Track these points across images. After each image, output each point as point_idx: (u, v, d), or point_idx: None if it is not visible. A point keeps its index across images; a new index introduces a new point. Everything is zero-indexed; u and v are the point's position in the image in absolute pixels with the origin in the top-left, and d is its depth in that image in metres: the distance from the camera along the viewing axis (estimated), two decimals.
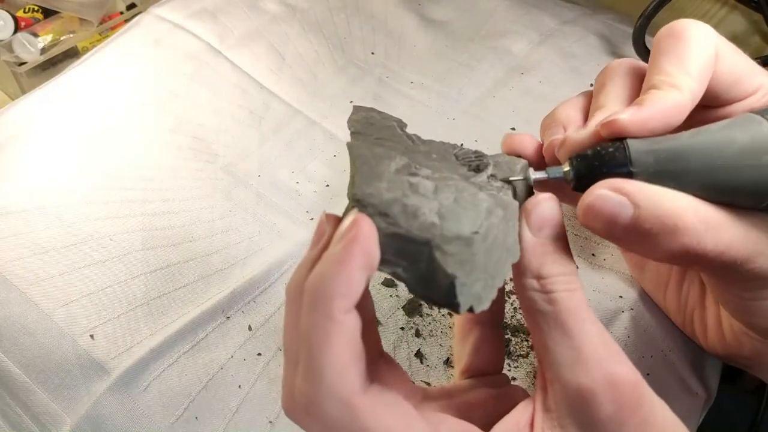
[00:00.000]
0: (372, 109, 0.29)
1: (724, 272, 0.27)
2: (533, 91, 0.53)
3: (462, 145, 0.28)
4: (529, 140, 0.28)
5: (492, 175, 0.26)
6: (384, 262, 0.22)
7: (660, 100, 0.25)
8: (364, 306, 0.26)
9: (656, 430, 0.23)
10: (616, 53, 0.56)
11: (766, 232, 0.25)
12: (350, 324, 0.21)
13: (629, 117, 0.24)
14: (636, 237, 0.24)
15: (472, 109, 0.52)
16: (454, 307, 0.22)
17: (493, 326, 0.30)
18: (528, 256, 0.25)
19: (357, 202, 0.22)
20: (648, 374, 0.37)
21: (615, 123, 0.25)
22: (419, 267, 0.22)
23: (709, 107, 0.28)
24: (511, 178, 0.25)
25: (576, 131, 0.27)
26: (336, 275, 0.21)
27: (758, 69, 0.28)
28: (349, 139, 0.26)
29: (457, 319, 0.31)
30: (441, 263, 0.22)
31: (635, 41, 0.53)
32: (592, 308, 0.38)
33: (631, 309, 0.39)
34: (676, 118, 0.25)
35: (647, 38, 0.53)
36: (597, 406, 0.23)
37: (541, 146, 0.29)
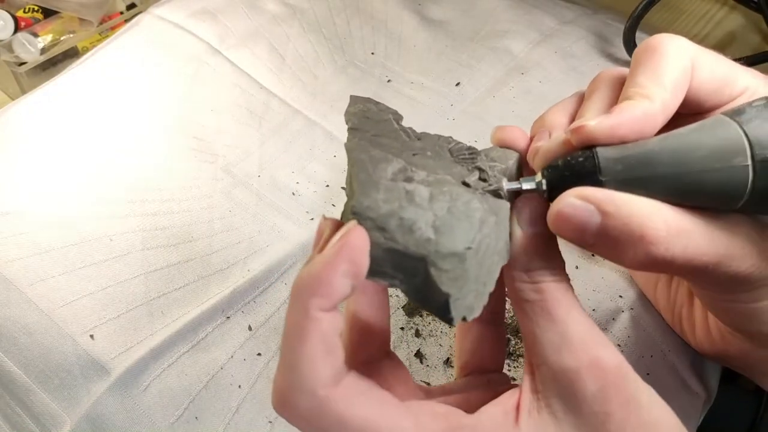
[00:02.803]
0: (369, 100, 0.29)
1: (697, 276, 0.27)
2: (533, 91, 0.53)
3: (455, 139, 0.28)
4: (519, 133, 0.29)
5: (481, 177, 0.26)
6: (382, 275, 0.23)
7: (629, 109, 0.25)
8: (375, 306, 0.27)
9: (642, 410, 0.24)
10: (615, 54, 0.56)
11: (739, 235, 0.25)
12: (326, 322, 0.22)
13: (597, 124, 0.25)
14: (605, 244, 0.24)
15: (472, 109, 0.52)
16: (447, 320, 0.23)
17: (493, 324, 0.30)
18: (518, 250, 0.25)
19: (356, 215, 0.22)
20: (648, 374, 0.37)
21: (582, 129, 0.25)
22: (416, 280, 0.23)
23: (695, 114, 0.28)
24: (486, 189, 0.25)
25: (548, 140, 0.27)
26: (317, 277, 0.21)
27: (742, 71, 0.28)
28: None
29: None
30: (436, 281, 0.22)
31: (625, 42, 0.54)
32: (592, 308, 0.39)
33: (631, 309, 0.39)
34: (647, 126, 0.25)
35: (638, 38, 0.53)
36: (582, 386, 0.23)
37: (529, 140, 0.29)
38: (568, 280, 0.26)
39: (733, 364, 0.35)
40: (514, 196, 0.26)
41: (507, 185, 0.26)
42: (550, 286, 0.25)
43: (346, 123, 0.27)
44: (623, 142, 0.25)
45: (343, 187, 0.46)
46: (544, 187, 0.25)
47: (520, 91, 0.53)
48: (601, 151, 0.24)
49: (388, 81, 0.54)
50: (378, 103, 0.29)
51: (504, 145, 0.29)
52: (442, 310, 0.23)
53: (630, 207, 0.24)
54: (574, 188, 0.24)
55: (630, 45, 0.54)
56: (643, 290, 0.39)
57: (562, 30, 0.58)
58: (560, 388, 0.24)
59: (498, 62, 0.55)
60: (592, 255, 0.42)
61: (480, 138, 0.49)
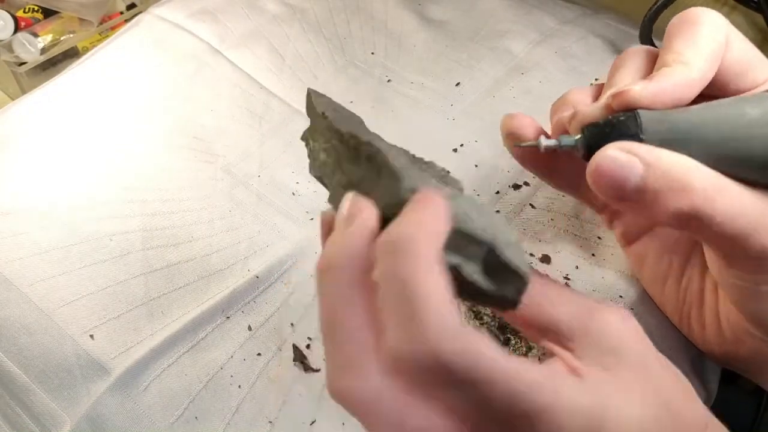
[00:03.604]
0: (326, 96, 0.28)
1: (729, 247, 0.26)
2: (533, 91, 0.53)
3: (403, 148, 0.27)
4: (529, 121, 0.29)
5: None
6: (450, 253, 0.22)
7: (671, 76, 0.25)
8: None
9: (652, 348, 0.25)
10: (616, 53, 0.56)
11: None
12: (443, 272, 0.20)
13: (641, 89, 0.25)
14: (645, 197, 0.24)
15: (472, 109, 0.52)
16: (513, 303, 0.22)
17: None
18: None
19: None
20: None
21: (626, 93, 0.25)
22: (474, 266, 0.22)
23: (719, 97, 0.28)
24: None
25: (587, 105, 0.27)
26: (426, 228, 0.20)
27: (766, 61, 0.28)
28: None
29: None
30: (512, 265, 0.22)
31: (642, 33, 0.53)
32: None
33: (631, 309, 0.39)
34: (687, 94, 0.25)
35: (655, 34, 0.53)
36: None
37: (539, 129, 0.29)
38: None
39: (740, 366, 0.35)
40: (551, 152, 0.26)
41: (544, 142, 0.26)
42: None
43: (317, 107, 0.26)
44: (663, 107, 0.25)
45: None
46: (581, 144, 0.26)
47: (520, 91, 0.53)
48: (643, 113, 0.25)
49: (388, 81, 0.54)
50: (335, 101, 0.28)
51: (511, 133, 0.28)
52: (514, 293, 0.22)
53: (673, 159, 0.24)
54: (615, 142, 0.25)
55: (646, 37, 0.53)
56: (648, 289, 0.39)
57: (562, 30, 0.58)
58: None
59: (498, 62, 0.55)
60: (593, 255, 0.42)
61: (480, 138, 0.49)
